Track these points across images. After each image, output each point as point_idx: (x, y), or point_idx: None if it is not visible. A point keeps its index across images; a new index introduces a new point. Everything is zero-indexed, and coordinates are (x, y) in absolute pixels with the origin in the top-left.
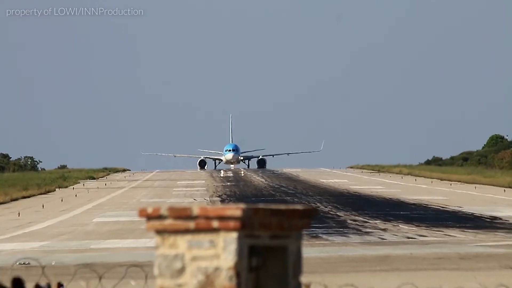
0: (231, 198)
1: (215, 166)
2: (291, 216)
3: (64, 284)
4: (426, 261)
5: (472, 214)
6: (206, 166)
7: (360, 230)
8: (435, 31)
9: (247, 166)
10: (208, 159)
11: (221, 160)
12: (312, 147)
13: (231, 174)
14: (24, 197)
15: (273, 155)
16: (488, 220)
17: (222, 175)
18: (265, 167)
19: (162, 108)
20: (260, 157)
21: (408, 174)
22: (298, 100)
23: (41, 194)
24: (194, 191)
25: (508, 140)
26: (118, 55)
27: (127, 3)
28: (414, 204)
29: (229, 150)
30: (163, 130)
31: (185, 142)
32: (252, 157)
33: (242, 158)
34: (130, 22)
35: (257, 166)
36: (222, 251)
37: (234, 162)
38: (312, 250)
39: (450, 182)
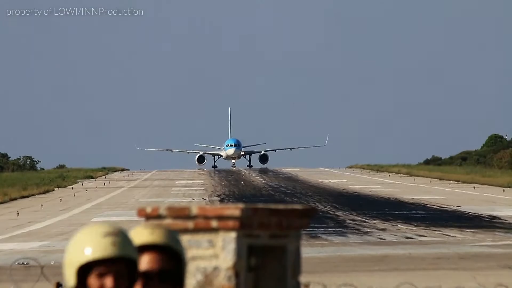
0: (230, 197)
1: (214, 162)
2: (290, 215)
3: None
4: (425, 261)
5: (471, 213)
6: (205, 162)
7: (359, 230)
8: (434, 31)
9: (248, 161)
10: (207, 154)
11: (221, 156)
12: (314, 145)
13: (230, 174)
14: (23, 197)
15: (275, 150)
16: (487, 219)
17: (221, 175)
18: (267, 163)
19: (162, 107)
20: (262, 152)
21: (407, 173)
22: (297, 100)
23: (40, 193)
24: (193, 190)
25: (507, 139)
26: (118, 55)
27: (127, 3)
28: (413, 203)
29: (231, 145)
30: (162, 127)
31: (182, 138)
32: (253, 152)
33: (243, 153)
34: (130, 22)
35: (259, 162)
36: (221, 251)
37: (235, 157)
38: (311, 250)
39: (449, 182)
